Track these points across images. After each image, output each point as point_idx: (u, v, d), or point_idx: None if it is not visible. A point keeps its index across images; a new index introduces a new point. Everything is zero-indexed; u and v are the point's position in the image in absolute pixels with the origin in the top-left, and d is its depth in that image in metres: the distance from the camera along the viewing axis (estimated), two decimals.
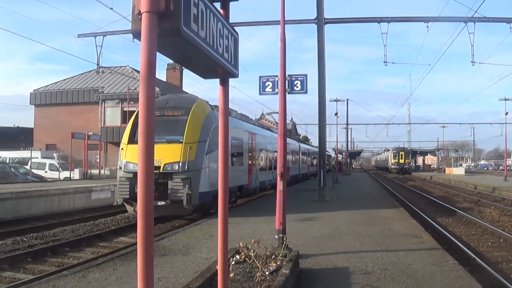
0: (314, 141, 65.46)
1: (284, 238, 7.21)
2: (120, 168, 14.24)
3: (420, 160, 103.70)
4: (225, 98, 3.74)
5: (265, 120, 63.81)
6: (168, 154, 13.65)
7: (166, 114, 14.86)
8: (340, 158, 72.06)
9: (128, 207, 14.43)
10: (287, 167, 34.69)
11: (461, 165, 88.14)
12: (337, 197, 20.25)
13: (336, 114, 44.96)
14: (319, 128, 20.40)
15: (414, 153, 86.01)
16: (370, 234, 10.42)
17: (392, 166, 75.38)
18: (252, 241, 6.26)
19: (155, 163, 13.14)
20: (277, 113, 12.28)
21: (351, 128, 67.46)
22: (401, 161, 72.44)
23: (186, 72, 40.31)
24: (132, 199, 13.48)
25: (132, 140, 14.24)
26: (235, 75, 3.59)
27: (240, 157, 18.67)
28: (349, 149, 72.31)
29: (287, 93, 9.99)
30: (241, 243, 6.45)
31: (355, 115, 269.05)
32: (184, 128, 14.16)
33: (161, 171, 13.32)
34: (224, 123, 3.78)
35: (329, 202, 18.10)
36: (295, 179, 35.13)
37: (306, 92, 10.95)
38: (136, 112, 15.58)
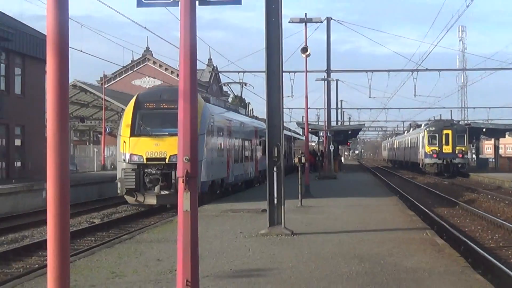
0: (256, 108, 39.93)
1: None
2: (124, 160, 15.21)
3: (488, 146, 59.55)
4: None
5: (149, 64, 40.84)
6: (173, 146, 13.62)
7: (162, 106, 15.99)
8: (313, 145, 43.06)
9: (129, 198, 15.51)
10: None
11: None
12: (309, 225, 11.25)
13: (305, 50, 21.89)
14: (268, 80, 10.35)
15: (474, 133, 44.41)
16: None
17: (427, 160, 39.12)
18: None
19: (160, 155, 14.46)
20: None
21: (336, 80, 38.04)
22: (446, 148, 37.78)
23: None
24: (137, 190, 14.93)
25: (134, 133, 15.34)
26: None
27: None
28: (336, 124, 41.38)
29: (197, 1, 4.31)
30: None
31: (346, 53, 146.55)
32: None
33: (167, 162, 14.74)
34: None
35: (291, 237, 9.67)
36: (261, 177, 23.65)
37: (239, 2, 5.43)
38: (133, 103, 16.07)
